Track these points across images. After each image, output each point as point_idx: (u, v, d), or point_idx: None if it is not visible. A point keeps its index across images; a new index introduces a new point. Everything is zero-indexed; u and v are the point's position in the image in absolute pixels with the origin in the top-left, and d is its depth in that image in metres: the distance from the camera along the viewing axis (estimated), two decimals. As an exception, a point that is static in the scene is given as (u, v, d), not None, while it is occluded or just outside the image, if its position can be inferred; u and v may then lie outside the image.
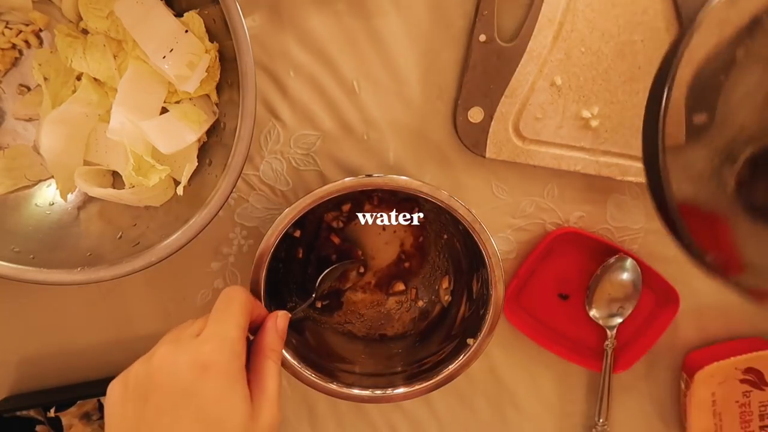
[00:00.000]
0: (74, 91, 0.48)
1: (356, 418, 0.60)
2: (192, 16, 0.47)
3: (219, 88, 0.49)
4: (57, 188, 0.50)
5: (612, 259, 0.55)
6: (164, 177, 0.47)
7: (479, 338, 0.48)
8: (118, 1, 0.45)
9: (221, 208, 0.46)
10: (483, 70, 0.51)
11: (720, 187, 0.41)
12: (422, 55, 0.52)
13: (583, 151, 0.53)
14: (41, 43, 0.50)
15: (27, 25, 0.49)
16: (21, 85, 0.50)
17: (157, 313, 0.57)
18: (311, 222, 0.54)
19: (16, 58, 0.50)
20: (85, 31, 0.48)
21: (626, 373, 0.58)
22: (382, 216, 0.54)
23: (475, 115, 0.52)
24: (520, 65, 0.51)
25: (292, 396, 0.59)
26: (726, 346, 0.58)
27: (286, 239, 0.52)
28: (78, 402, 0.57)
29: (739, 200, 0.42)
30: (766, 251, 0.42)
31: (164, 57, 0.46)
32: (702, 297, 0.58)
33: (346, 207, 0.54)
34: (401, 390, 0.49)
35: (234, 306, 0.39)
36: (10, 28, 0.49)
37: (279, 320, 0.41)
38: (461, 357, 0.48)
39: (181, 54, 0.46)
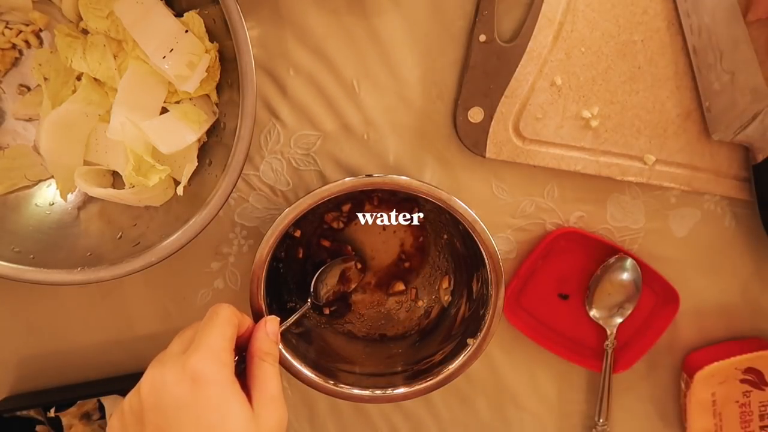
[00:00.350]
0: (74, 91, 0.48)
1: (356, 418, 0.60)
2: (192, 16, 0.47)
3: (219, 88, 0.49)
4: (57, 188, 0.50)
5: (612, 259, 0.55)
6: (164, 177, 0.47)
7: (479, 338, 0.48)
8: (118, 1, 0.45)
9: (221, 208, 0.46)
10: (483, 70, 0.51)
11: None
12: (422, 55, 0.52)
13: (583, 151, 0.53)
14: (41, 43, 0.50)
15: (27, 25, 0.49)
16: (21, 85, 0.50)
17: (157, 313, 0.57)
18: (311, 222, 0.54)
19: (16, 58, 0.50)
20: (85, 31, 0.48)
21: (626, 373, 0.58)
22: (382, 216, 0.54)
23: (475, 115, 0.52)
24: (520, 65, 0.51)
25: (292, 396, 0.59)
26: (726, 346, 0.58)
27: (286, 239, 0.52)
28: (78, 402, 0.57)
29: None
30: None
31: (164, 57, 0.46)
32: (702, 297, 0.58)
33: (346, 207, 0.54)
34: (401, 390, 0.49)
35: (217, 319, 0.39)
36: (10, 28, 0.49)
37: (268, 324, 0.42)
38: (461, 357, 0.48)
39: (181, 54, 0.46)
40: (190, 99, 0.49)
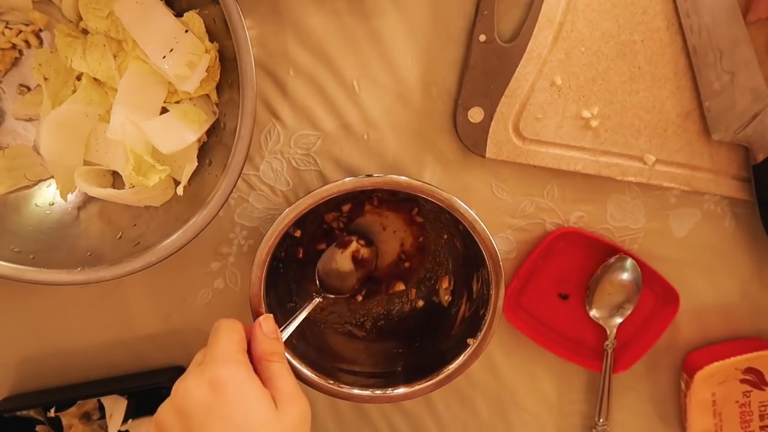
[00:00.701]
0: (74, 91, 0.48)
1: (356, 418, 0.60)
2: (192, 16, 0.47)
3: (219, 88, 0.49)
4: (57, 188, 0.50)
5: (612, 259, 0.55)
6: (164, 177, 0.47)
7: (479, 338, 0.48)
8: (118, 1, 0.45)
9: (221, 208, 0.46)
10: (483, 70, 0.51)
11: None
12: (422, 55, 0.52)
13: (583, 151, 0.53)
14: (41, 43, 0.50)
15: (27, 25, 0.49)
16: (21, 85, 0.50)
17: (157, 313, 0.57)
18: (311, 222, 0.54)
19: (16, 58, 0.50)
20: (85, 31, 0.48)
21: (626, 373, 0.58)
22: (382, 216, 0.54)
23: (475, 115, 0.52)
24: (520, 65, 0.51)
25: (292, 396, 0.59)
26: (726, 346, 0.58)
27: (286, 239, 0.52)
28: (78, 402, 0.57)
29: None
30: None
31: (164, 57, 0.46)
32: (702, 297, 0.58)
33: (346, 207, 0.54)
34: (401, 390, 0.49)
35: (221, 329, 0.41)
36: (10, 28, 0.49)
37: (263, 324, 0.42)
38: (461, 357, 0.48)
39: (181, 54, 0.46)
40: (190, 99, 0.49)
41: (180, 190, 0.48)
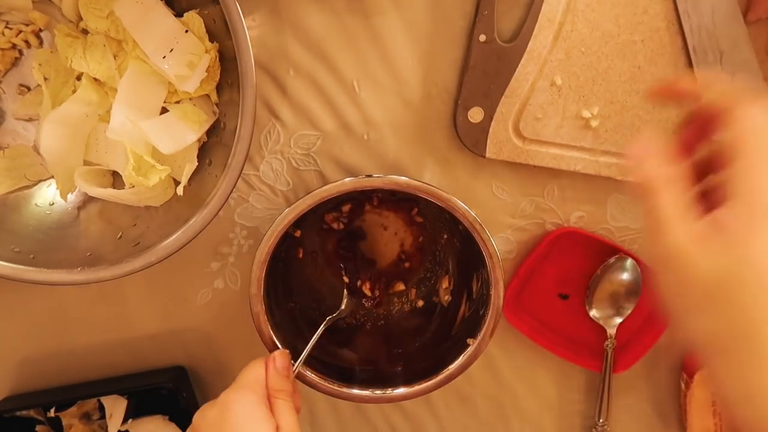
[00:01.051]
0: (74, 91, 0.48)
1: (356, 418, 0.60)
2: (192, 16, 0.47)
3: (219, 88, 0.49)
4: (57, 188, 0.50)
5: (612, 259, 0.55)
6: (164, 177, 0.47)
7: (479, 338, 0.48)
8: (118, 1, 0.45)
9: (221, 208, 0.46)
10: (483, 70, 0.51)
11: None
12: (422, 55, 0.52)
13: (583, 151, 0.53)
14: (41, 43, 0.50)
15: (27, 25, 0.49)
16: (21, 85, 0.50)
17: (157, 313, 0.57)
18: (311, 222, 0.54)
19: (16, 58, 0.50)
20: (85, 31, 0.48)
21: (626, 373, 0.58)
22: (382, 216, 0.54)
23: (475, 115, 0.52)
24: (520, 65, 0.51)
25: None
26: (726, 346, 0.58)
27: (286, 239, 0.52)
28: (78, 402, 0.57)
29: None
30: None
31: (164, 57, 0.46)
32: (702, 297, 0.58)
33: (346, 208, 0.54)
34: (401, 390, 0.49)
35: (248, 365, 0.44)
36: (10, 28, 0.49)
37: (277, 360, 0.44)
38: (461, 357, 0.48)
39: (181, 54, 0.46)
40: (190, 99, 0.49)
41: (180, 190, 0.48)
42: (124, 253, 0.47)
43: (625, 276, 0.55)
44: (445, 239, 0.55)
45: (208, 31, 0.47)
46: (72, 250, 0.49)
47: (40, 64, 0.48)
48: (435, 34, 0.52)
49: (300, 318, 0.54)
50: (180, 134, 0.47)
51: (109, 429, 0.56)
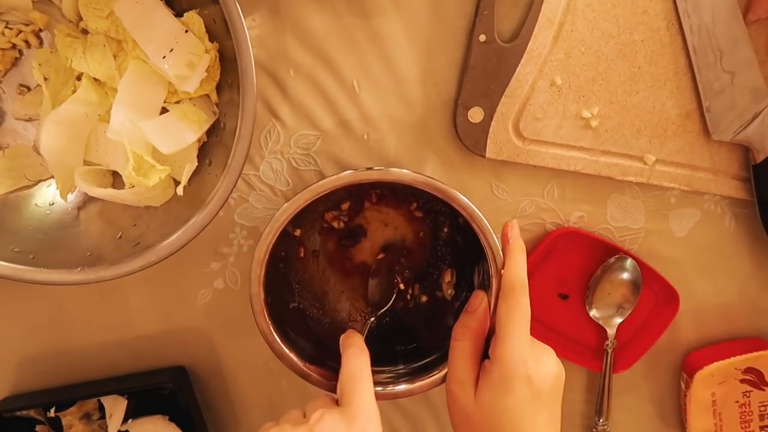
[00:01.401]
0: (74, 91, 0.48)
1: (356, 418, 0.59)
2: (192, 16, 0.47)
3: (219, 88, 0.49)
4: (57, 188, 0.50)
5: (612, 259, 0.55)
6: (164, 177, 0.47)
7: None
8: (118, 1, 0.45)
9: (221, 208, 0.46)
10: (483, 70, 0.51)
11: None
12: (422, 55, 0.52)
13: (583, 151, 0.53)
14: (41, 43, 0.50)
15: (27, 25, 0.49)
16: (21, 85, 0.50)
17: (157, 313, 0.57)
18: (311, 222, 0.54)
19: (16, 58, 0.50)
20: (85, 31, 0.48)
21: (626, 373, 0.58)
22: (382, 213, 0.54)
23: (475, 115, 0.52)
24: (520, 65, 0.51)
25: (293, 395, 0.59)
26: (726, 346, 0.58)
27: (287, 239, 0.52)
28: (78, 402, 0.57)
29: None
30: None
31: (164, 57, 0.46)
32: (702, 297, 0.58)
33: (345, 205, 0.54)
34: (402, 387, 0.49)
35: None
36: (10, 28, 0.49)
37: (350, 353, 0.44)
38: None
39: (181, 54, 0.46)
40: (190, 99, 0.49)
41: (180, 190, 0.48)
42: (124, 253, 0.47)
43: (625, 276, 0.55)
44: (445, 233, 0.55)
45: (208, 31, 0.47)
46: (72, 250, 0.49)
47: (40, 64, 0.48)
48: (435, 34, 0.52)
49: (302, 318, 0.54)
50: (180, 134, 0.47)
51: (109, 429, 0.56)
